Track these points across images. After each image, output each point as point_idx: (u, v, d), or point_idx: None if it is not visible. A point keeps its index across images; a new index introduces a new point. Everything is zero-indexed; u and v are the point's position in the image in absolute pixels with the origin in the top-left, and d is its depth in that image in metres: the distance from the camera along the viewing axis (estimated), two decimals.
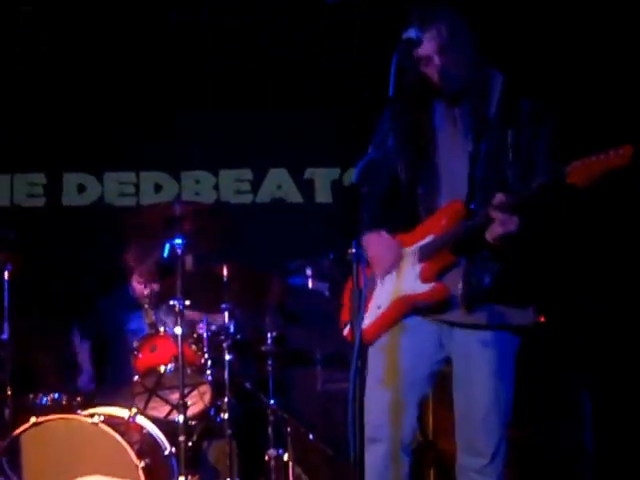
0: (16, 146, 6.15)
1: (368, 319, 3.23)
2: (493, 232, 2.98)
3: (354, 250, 2.59)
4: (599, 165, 2.74)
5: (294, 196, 6.30)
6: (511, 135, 3.12)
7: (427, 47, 3.05)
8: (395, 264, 3.24)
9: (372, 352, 3.26)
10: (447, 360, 3.29)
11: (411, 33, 2.94)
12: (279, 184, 6.30)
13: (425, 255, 3.19)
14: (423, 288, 3.18)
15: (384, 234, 3.26)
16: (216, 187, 6.30)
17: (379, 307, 3.27)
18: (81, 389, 5.22)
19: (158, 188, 6.32)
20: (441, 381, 3.37)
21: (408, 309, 3.24)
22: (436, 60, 3.10)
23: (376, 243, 3.22)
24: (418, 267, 3.20)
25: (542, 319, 4.79)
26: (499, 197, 2.97)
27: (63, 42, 5.94)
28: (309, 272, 5.38)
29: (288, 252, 5.75)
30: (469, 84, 3.18)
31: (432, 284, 3.17)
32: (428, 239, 3.20)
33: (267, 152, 6.21)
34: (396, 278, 3.26)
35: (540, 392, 4.83)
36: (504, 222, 2.95)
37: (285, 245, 5.95)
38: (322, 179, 6.29)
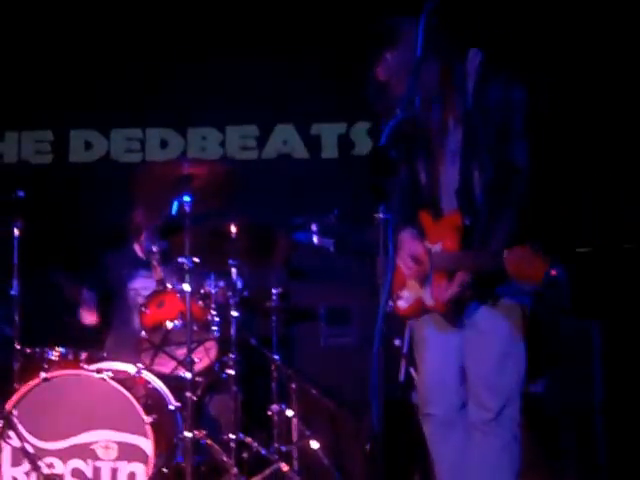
0: (23, 103, 6.16)
1: (403, 305, 3.43)
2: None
3: (382, 215, 2.58)
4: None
5: (300, 152, 6.29)
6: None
7: None
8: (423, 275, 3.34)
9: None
10: None
11: None
12: (285, 140, 6.29)
13: (435, 264, 3.29)
14: (430, 303, 3.32)
15: (417, 242, 3.34)
16: (222, 143, 6.30)
17: (408, 299, 3.41)
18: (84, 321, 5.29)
19: (164, 144, 6.32)
20: None
21: (424, 311, 3.40)
22: None
23: (409, 249, 3.33)
24: (430, 275, 3.31)
25: (553, 273, 4.83)
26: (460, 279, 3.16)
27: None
28: (314, 228, 5.39)
29: (293, 208, 5.78)
30: None
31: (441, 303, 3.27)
32: (437, 247, 3.30)
33: (273, 108, 6.19)
34: None
35: (550, 343, 4.85)
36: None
37: (291, 201, 5.96)
38: (329, 134, 6.27)
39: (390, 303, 3.44)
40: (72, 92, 6.22)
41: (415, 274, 3.34)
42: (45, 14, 5.98)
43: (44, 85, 6.21)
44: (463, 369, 3.36)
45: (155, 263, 5.02)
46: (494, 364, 3.28)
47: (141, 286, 5.19)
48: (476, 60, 3.26)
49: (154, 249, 5.02)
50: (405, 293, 3.42)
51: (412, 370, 4.84)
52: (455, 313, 3.28)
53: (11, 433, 4.29)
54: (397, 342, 5.00)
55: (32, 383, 4.38)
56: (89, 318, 5.31)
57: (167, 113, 6.26)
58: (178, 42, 6.12)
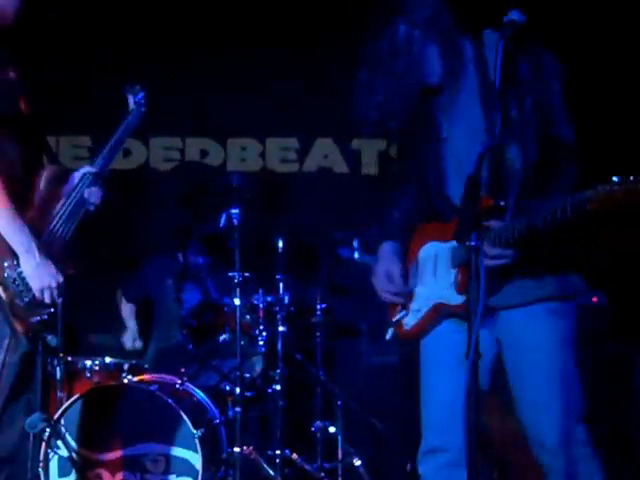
0: (62, 109, 6.13)
1: (411, 321, 3.12)
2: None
3: (473, 242, 2.54)
4: (627, 197, 2.49)
5: (340, 166, 6.28)
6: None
7: None
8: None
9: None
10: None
11: (514, 15, 2.80)
12: (325, 154, 6.28)
13: (459, 260, 2.95)
14: (458, 300, 2.93)
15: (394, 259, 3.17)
16: (262, 155, 6.29)
17: (419, 310, 3.09)
18: (126, 347, 5.28)
19: (204, 154, 6.30)
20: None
21: (445, 315, 3.02)
22: None
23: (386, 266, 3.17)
24: (452, 273, 2.97)
25: (594, 300, 4.80)
26: (493, 228, 2.77)
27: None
28: (355, 244, 5.37)
29: (334, 223, 5.76)
30: None
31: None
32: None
33: (314, 122, 6.17)
34: (433, 280, 3.05)
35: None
36: (495, 257, 2.76)
37: (331, 215, 5.94)
38: (369, 150, 6.26)
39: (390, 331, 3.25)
40: (111, 100, 6.18)
41: (386, 294, 3.16)
42: (83, 18, 5.98)
43: (83, 91, 6.19)
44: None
45: (202, 275, 5.01)
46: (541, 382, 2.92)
47: (186, 298, 5.17)
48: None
49: (201, 261, 5.00)
50: (412, 305, 3.11)
51: None
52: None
53: (59, 443, 4.25)
54: None
55: (80, 393, 4.35)
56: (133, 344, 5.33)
57: (207, 123, 6.24)
58: (222, 54, 6.10)
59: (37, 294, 2.97)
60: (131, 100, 3.70)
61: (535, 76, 2.93)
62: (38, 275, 2.96)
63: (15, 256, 2.95)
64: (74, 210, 3.20)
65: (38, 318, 2.99)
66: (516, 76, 2.90)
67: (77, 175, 3.29)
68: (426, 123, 3.09)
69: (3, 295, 2.93)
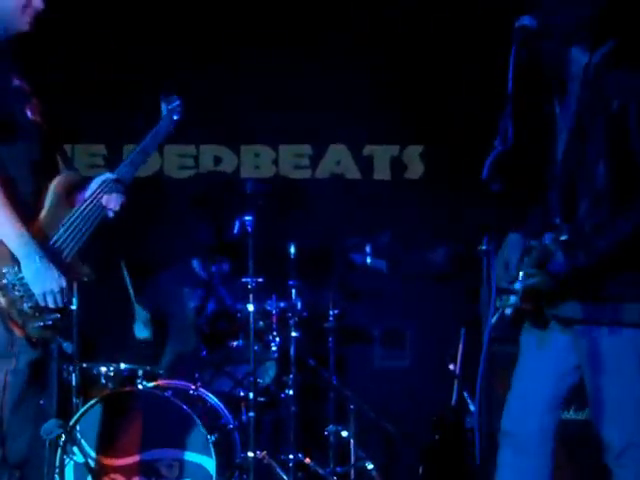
0: (77, 117, 6.20)
1: (509, 310, 3.08)
2: None
3: (485, 247, 2.58)
4: None
5: (353, 172, 6.32)
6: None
7: None
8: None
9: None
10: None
11: (525, 20, 2.80)
12: (338, 160, 6.32)
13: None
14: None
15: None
16: (275, 162, 6.34)
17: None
18: (137, 337, 5.31)
19: (217, 161, 6.36)
20: None
21: None
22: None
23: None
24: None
25: None
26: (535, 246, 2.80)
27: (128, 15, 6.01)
28: (368, 249, 5.41)
29: (347, 228, 5.80)
30: None
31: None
32: None
33: (327, 128, 6.21)
34: None
35: None
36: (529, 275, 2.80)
37: (344, 221, 5.98)
38: (381, 156, 6.30)
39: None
40: (126, 108, 6.25)
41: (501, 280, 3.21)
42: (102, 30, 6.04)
43: (98, 99, 6.25)
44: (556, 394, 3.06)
45: (215, 282, 5.06)
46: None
47: (200, 304, 5.22)
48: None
49: (214, 268, 5.05)
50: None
51: (466, 394, 4.85)
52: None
53: (74, 449, 4.31)
54: (451, 366, 5.02)
55: (95, 399, 4.40)
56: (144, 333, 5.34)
57: (221, 130, 6.29)
58: (234, 60, 6.15)
59: (39, 299, 2.96)
60: (165, 108, 3.65)
61: (621, 94, 2.83)
62: (39, 279, 2.95)
63: (17, 261, 2.95)
64: (89, 216, 3.16)
65: (40, 324, 2.98)
66: (602, 92, 2.85)
67: (96, 181, 3.25)
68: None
69: (2, 301, 2.93)
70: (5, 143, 3.00)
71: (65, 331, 4.69)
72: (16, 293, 2.95)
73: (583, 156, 2.86)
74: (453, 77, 5.99)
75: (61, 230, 3.10)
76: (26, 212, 3.03)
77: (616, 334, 2.91)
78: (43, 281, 2.96)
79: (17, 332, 2.94)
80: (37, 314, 2.97)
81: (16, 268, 2.95)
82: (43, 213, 3.09)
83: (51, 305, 2.98)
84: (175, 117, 3.67)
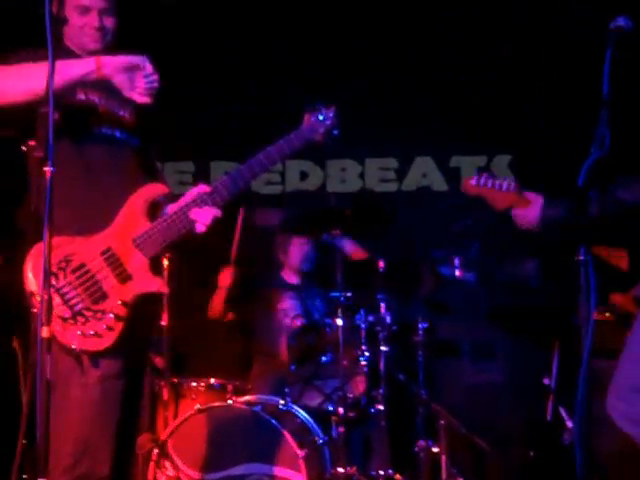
0: (167, 135, 6.26)
1: None
2: None
3: (582, 257, 2.52)
4: None
5: (439, 184, 6.26)
6: None
7: None
8: None
9: None
10: None
11: (620, 21, 2.77)
12: (424, 172, 6.27)
13: None
14: None
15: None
16: (361, 175, 6.32)
17: None
18: None
19: (304, 176, 6.37)
20: None
21: None
22: None
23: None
24: None
25: None
26: None
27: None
28: (457, 262, 5.34)
29: (435, 241, 5.74)
30: None
31: None
32: None
33: (413, 141, 6.17)
34: None
35: None
36: None
37: (431, 234, 5.92)
38: (468, 167, 6.23)
39: None
40: (214, 126, 6.32)
41: None
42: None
43: (187, 118, 6.32)
44: None
45: (300, 294, 5.06)
46: None
47: (289, 307, 5.22)
48: None
49: (301, 282, 5.05)
50: None
51: (562, 409, 4.74)
52: None
53: (167, 463, 4.34)
54: (546, 381, 4.91)
55: (186, 413, 4.42)
56: None
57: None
58: (319, 77, 6.16)
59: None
60: (310, 120, 3.39)
61: None
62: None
63: (66, 266, 2.93)
64: (171, 227, 3.08)
65: (78, 332, 2.89)
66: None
67: (189, 193, 3.19)
68: None
69: (58, 301, 2.87)
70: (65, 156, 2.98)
71: (155, 345, 4.75)
72: (66, 297, 2.93)
73: None
74: (542, 84, 5.91)
75: (137, 240, 3.06)
76: (98, 218, 3.03)
77: None
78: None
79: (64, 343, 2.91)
80: (81, 320, 2.92)
81: (65, 272, 2.93)
82: (116, 221, 3.06)
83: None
84: (322, 129, 3.38)
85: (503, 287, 5.39)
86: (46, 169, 2.58)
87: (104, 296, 2.97)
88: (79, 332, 2.91)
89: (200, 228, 3.12)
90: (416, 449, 4.80)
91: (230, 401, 4.57)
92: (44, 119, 2.61)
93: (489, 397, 5.33)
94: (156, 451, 4.31)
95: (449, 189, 6.23)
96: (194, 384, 4.76)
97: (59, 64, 2.70)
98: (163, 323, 4.70)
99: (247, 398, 4.63)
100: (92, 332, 2.91)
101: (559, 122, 5.85)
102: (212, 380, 4.77)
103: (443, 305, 5.34)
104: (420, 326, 4.95)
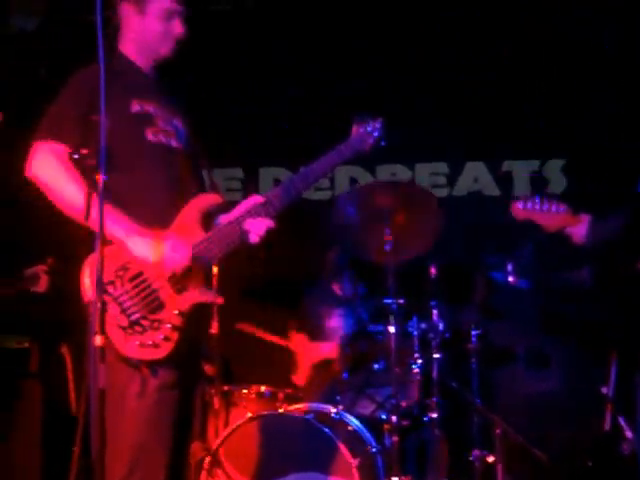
0: (215, 141, 6.26)
1: None
2: None
3: None
4: None
5: (491, 189, 6.17)
6: None
7: None
8: None
9: None
10: None
11: None
12: (476, 177, 6.19)
13: None
14: None
15: None
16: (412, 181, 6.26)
17: None
18: None
19: (353, 182, 6.32)
20: None
21: None
22: None
23: None
24: None
25: None
26: None
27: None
28: (510, 267, 5.25)
29: (486, 247, 5.66)
30: None
31: None
32: None
33: (464, 145, 6.10)
34: None
35: None
36: None
37: (483, 239, 5.84)
38: (520, 171, 6.13)
39: None
40: (262, 133, 6.31)
41: None
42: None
43: (234, 123, 6.31)
44: None
45: (353, 304, 5.01)
46: None
47: (339, 325, 5.18)
48: None
49: (354, 289, 5.00)
50: None
51: (621, 419, 4.63)
52: None
53: (218, 471, 4.31)
54: (604, 390, 4.81)
55: (237, 421, 4.38)
56: None
57: None
58: (368, 81, 6.12)
59: (162, 266, 2.91)
60: (358, 131, 3.45)
61: None
62: (148, 248, 2.89)
63: (124, 274, 2.91)
64: (224, 238, 3.08)
65: (137, 343, 2.86)
66: None
67: (243, 204, 3.18)
68: None
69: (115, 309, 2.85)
70: (121, 167, 2.97)
71: (206, 354, 4.72)
72: (123, 305, 2.90)
73: None
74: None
75: (192, 250, 3.03)
76: (155, 225, 3.00)
77: None
78: (150, 249, 2.91)
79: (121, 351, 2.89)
80: (138, 330, 2.89)
81: (122, 280, 2.91)
82: (171, 229, 3.04)
83: (170, 267, 2.91)
84: (370, 141, 3.46)
85: (557, 293, 5.30)
86: (98, 177, 2.56)
87: (161, 306, 2.95)
88: (138, 342, 2.88)
89: (254, 239, 3.12)
90: (471, 458, 4.72)
91: (281, 409, 4.54)
92: (96, 127, 2.59)
93: (545, 406, 5.23)
94: (208, 459, 4.28)
95: (501, 194, 6.14)
96: (245, 392, 4.73)
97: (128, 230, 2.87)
98: (213, 331, 4.67)
99: (299, 406, 4.58)
100: (150, 342, 2.89)
101: (615, 124, 5.75)
102: (263, 388, 4.74)
103: (496, 311, 5.25)
104: (473, 333, 4.88)
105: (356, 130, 3.44)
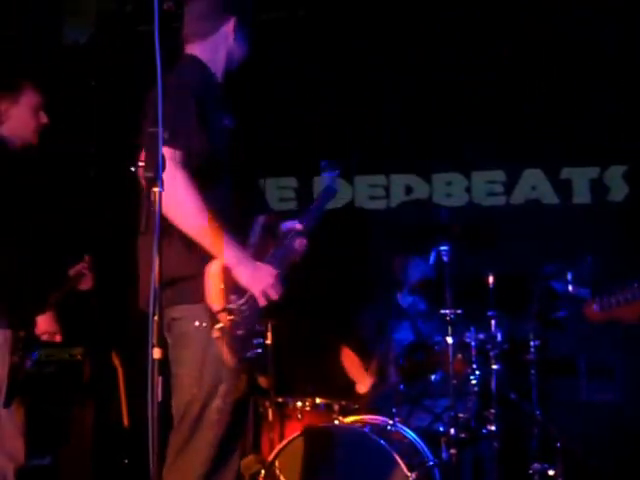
0: (269, 151, 6.26)
1: None
2: None
3: None
4: None
5: (550, 197, 6.06)
6: None
7: None
8: None
9: None
10: None
11: None
12: (534, 185, 6.08)
13: None
14: None
15: None
16: (468, 189, 6.17)
17: None
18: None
19: (409, 190, 6.25)
20: None
21: None
22: None
23: None
24: None
25: None
26: None
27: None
28: (569, 277, 5.14)
29: (545, 256, 5.55)
30: None
31: None
32: None
33: (521, 152, 5.99)
34: None
35: None
36: None
37: (541, 248, 5.73)
38: (580, 179, 6.01)
39: None
40: (314, 141, 6.27)
41: None
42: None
43: (287, 133, 6.29)
44: None
45: (413, 315, 4.96)
46: None
47: (403, 337, 5.11)
48: None
49: (411, 300, 4.95)
50: None
51: None
52: None
53: None
54: None
55: (291, 434, 4.34)
56: None
57: (411, 159, 6.19)
58: (423, 88, 6.06)
59: (259, 297, 2.94)
60: (325, 178, 3.73)
61: None
62: (257, 278, 2.94)
63: (237, 292, 2.94)
64: (286, 257, 3.20)
65: (245, 355, 2.95)
66: None
67: (285, 227, 3.33)
68: None
69: (226, 323, 2.89)
70: (211, 182, 3.01)
71: (261, 366, 4.69)
72: (235, 318, 2.92)
73: None
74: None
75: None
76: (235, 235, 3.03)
77: None
78: (261, 279, 2.95)
79: (227, 359, 2.90)
80: (247, 343, 2.96)
81: (236, 296, 2.94)
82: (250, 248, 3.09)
83: (273, 297, 2.97)
84: (335, 189, 3.71)
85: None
86: (155, 190, 2.54)
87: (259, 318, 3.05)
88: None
89: (297, 258, 3.30)
90: (530, 472, 4.61)
91: (337, 421, 4.48)
92: (152, 139, 2.56)
93: (608, 418, 5.10)
94: (263, 472, 4.24)
95: (560, 202, 6.02)
96: (299, 404, 4.68)
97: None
98: (268, 342, 4.64)
99: (354, 418, 4.52)
100: (249, 354, 3.00)
101: None
102: (318, 400, 4.68)
103: (556, 322, 5.13)
104: (532, 343, 4.78)
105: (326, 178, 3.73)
